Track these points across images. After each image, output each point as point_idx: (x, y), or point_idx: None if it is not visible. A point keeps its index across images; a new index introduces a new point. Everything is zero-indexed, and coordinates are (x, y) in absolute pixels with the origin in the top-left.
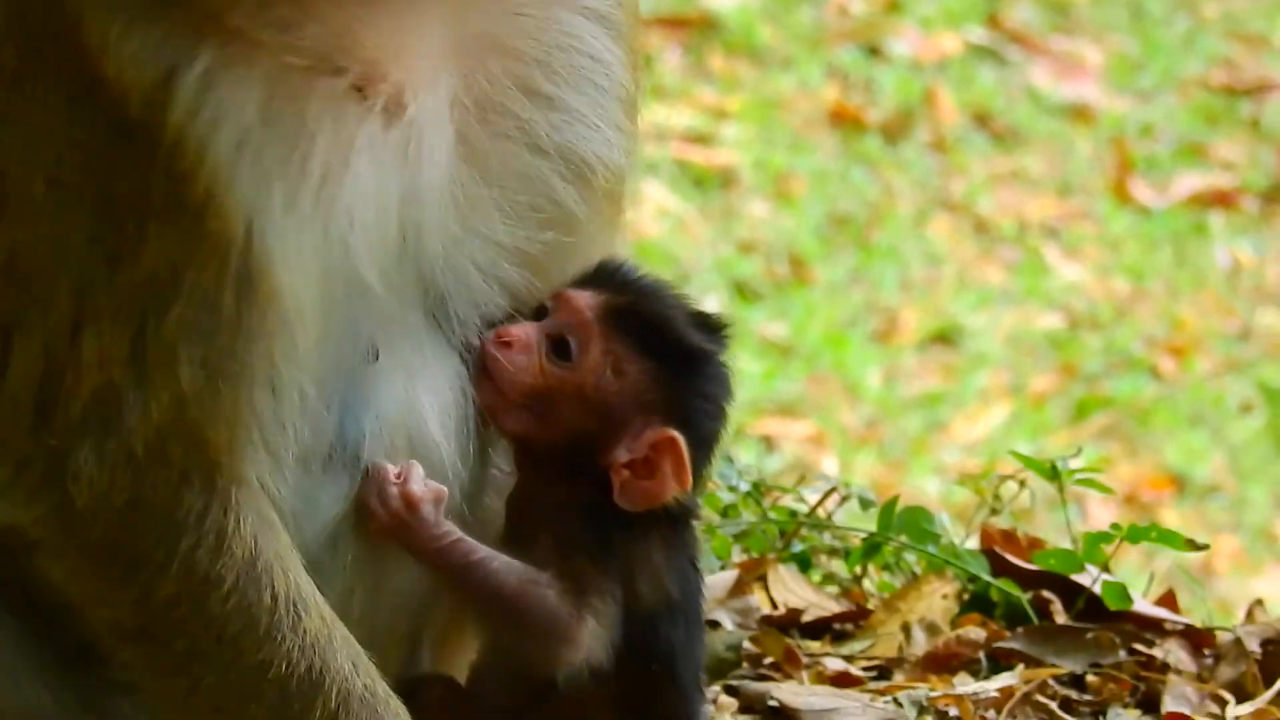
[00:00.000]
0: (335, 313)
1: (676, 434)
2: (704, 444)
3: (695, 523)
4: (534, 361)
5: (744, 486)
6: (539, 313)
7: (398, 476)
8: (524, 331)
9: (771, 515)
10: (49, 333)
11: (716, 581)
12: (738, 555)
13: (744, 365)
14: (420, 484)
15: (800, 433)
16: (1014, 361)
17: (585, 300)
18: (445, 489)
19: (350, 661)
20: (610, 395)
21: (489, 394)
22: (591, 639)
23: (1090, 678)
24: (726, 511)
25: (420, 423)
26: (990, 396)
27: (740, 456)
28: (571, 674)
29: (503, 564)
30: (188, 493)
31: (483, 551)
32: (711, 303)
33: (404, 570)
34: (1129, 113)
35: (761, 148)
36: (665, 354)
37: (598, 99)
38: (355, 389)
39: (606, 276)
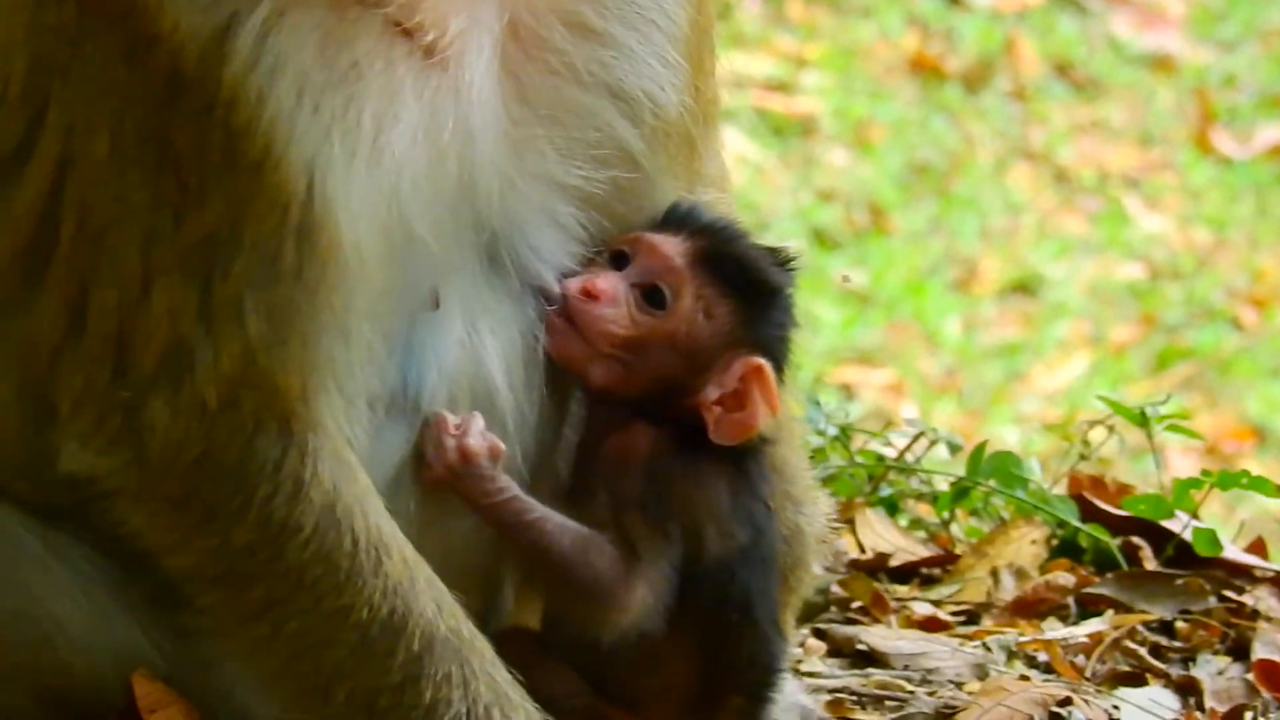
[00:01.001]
0: (395, 260)
1: (763, 362)
2: (780, 371)
3: (765, 456)
4: (624, 312)
5: (832, 431)
6: (616, 259)
7: (457, 428)
8: (609, 283)
9: (859, 459)
10: (121, 288)
11: None
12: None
13: (823, 313)
14: (478, 437)
15: (880, 381)
16: (1094, 311)
17: (673, 246)
18: (502, 444)
19: (434, 603)
20: (702, 338)
21: (576, 347)
22: (641, 605)
23: (1179, 624)
24: (814, 455)
25: (483, 369)
26: (1070, 346)
27: (826, 402)
28: (618, 638)
29: (556, 525)
30: (263, 441)
31: (537, 511)
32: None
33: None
34: (1211, 63)
35: (841, 96)
36: (749, 292)
37: (649, 35)
38: (416, 335)
39: (681, 220)
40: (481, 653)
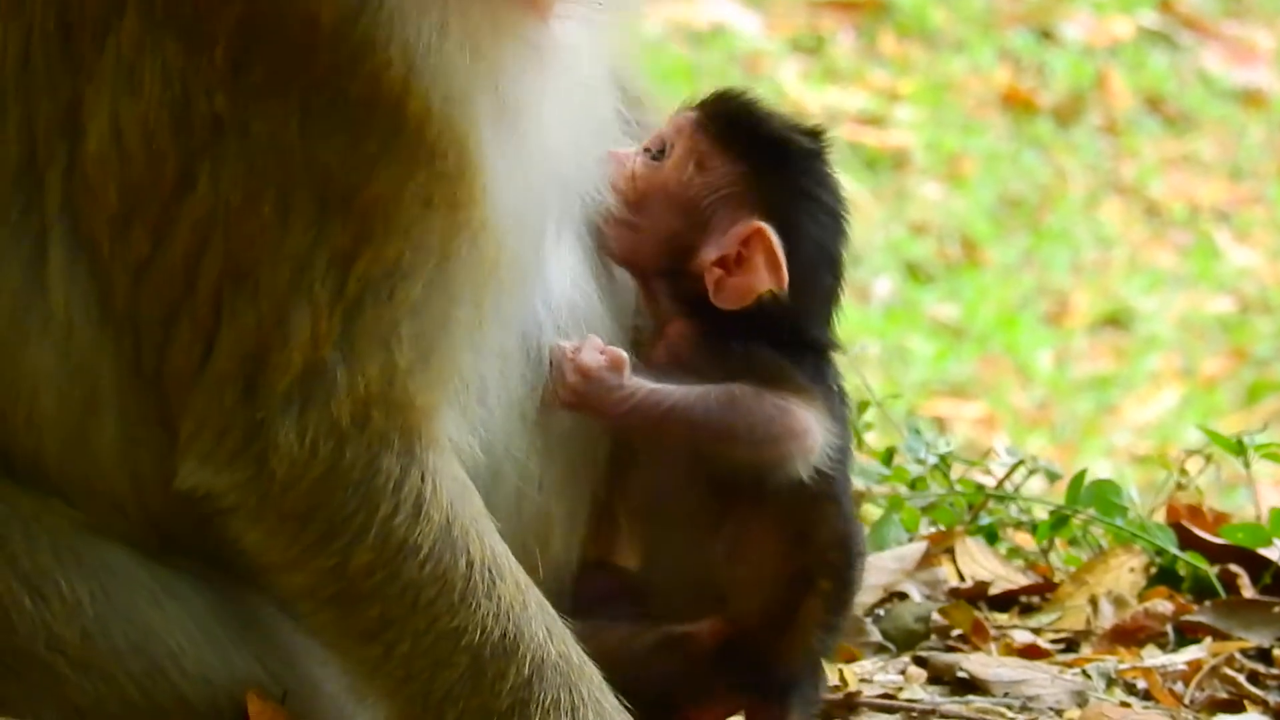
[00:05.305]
0: (537, 250)
1: (764, 224)
2: (817, 248)
3: (833, 355)
4: (627, 170)
5: (932, 460)
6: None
7: (573, 351)
8: (629, 149)
9: (959, 488)
10: (261, 313)
11: (905, 554)
12: (926, 528)
13: (916, 346)
14: (593, 353)
15: (972, 414)
16: (1185, 345)
17: (689, 113)
18: (623, 353)
19: (545, 628)
20: (693, 188)
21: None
22: (812, 423)
23: (1277, 651)
24: (914, 484)
25: (582, 295)
26: (1161, 379)
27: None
28: (811, 464)
29: (699, 392)
30: (386, 459)
31: (676, 392)
32: (884, 284)
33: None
34: None
35: (934, 130)
36: (752, 150)
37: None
38: (533, 284)
39: (718, 97)
40: (590, 678)
